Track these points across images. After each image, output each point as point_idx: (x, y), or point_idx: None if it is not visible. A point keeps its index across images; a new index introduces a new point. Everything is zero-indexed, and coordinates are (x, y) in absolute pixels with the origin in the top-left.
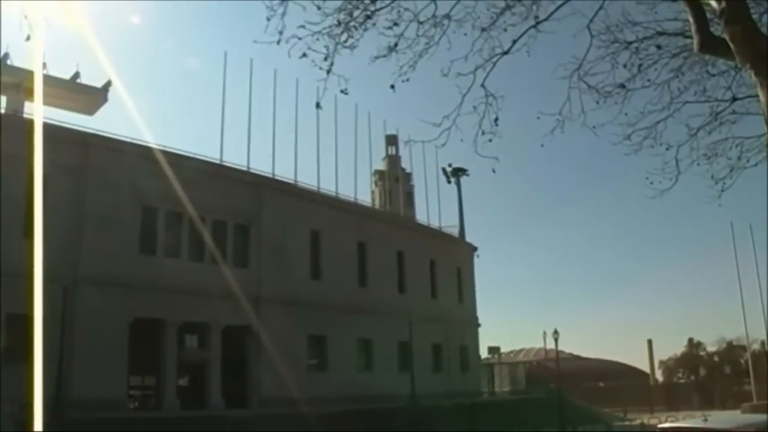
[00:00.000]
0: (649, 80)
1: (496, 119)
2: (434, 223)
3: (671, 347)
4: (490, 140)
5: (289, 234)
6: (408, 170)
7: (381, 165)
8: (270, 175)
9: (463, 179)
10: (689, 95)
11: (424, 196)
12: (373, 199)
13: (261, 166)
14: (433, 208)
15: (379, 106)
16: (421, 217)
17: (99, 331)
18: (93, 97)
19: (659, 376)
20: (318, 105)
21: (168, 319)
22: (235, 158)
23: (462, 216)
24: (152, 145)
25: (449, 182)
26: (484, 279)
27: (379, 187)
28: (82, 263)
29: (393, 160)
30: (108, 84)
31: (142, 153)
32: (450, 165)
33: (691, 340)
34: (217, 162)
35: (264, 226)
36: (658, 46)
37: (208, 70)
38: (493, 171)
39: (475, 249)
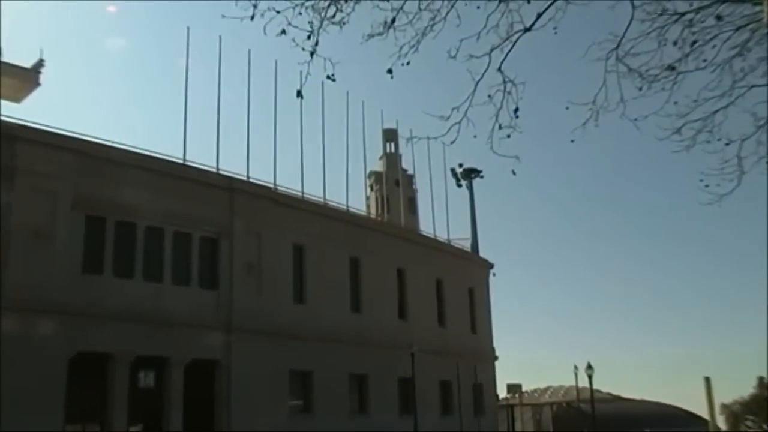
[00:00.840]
0: (705, 60)
1: (516, 110)
2: (442, 235)
3: (736, 388)
4: (509, 136)
5: (267, 249)
6: (410, 172)
7: (377, 165)
8: (244, 178)
9: (477, 182)
10: (756, 77)
11: (429, 202)
12: (368, 207)
13: (233, 167)
14: (441, 216)
15: (374, 95)
16: (425, 227)
17: (29, 369)
18: (20, 80)
19: (721, 422)
20: (299, 94)
21: (118, 353)
22: (201, 157)
23: (475, 226)
24: (98, 140)
25: (459, 186)
26: (501, 302)
27: (376, 191)
28: (5, 286)
29: (392, 160)
30: (40, 64)
31: (84, 150)
32: (461, 165)
33: (761, 380)
34: (180, 162)
35: (237, 240)
36: (718, 17)
37: (168, 52)
38: (513, 173)
39: (490, 266)
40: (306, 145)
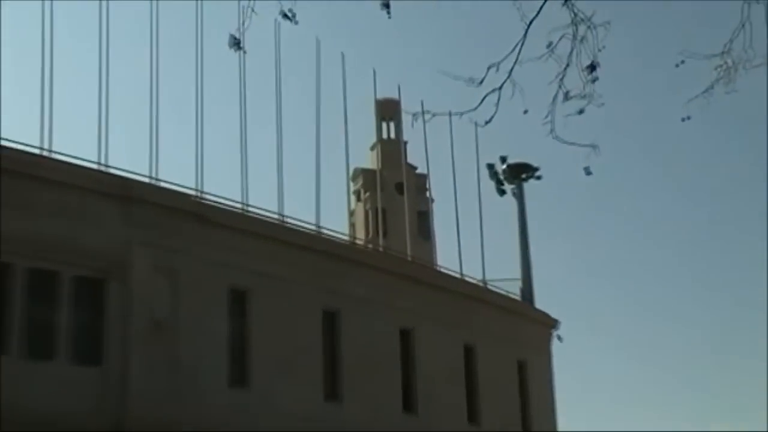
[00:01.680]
0: None
1: (593, 68)
2: (472, 273)
3: None
4: (582, 111)
5: (188, 295)
6: (420, 169)
7: (368, 160)
8: (147, 180)
9: (530, 187)
10: None
11: (451, 218)
12: (352, 226)
13: (131, 164)
14: (470, 241)
15: (361, 47)
16: (446, 259)
17: None
18: None
19: None
20: (236, 43)
21: None
22: (77, 148)
23: (527, 259)
24: None
25: (502, 192)
26: (571, 380)
27: (365, 201)
28: None
29: (391, 151)
30: None
31: None
32: (503, 160)
33: None
34: (37, 152)
35: (136, 281)
36: None
37: None
38: (587, 172)
39: (554, 325)
40: (252, 130)
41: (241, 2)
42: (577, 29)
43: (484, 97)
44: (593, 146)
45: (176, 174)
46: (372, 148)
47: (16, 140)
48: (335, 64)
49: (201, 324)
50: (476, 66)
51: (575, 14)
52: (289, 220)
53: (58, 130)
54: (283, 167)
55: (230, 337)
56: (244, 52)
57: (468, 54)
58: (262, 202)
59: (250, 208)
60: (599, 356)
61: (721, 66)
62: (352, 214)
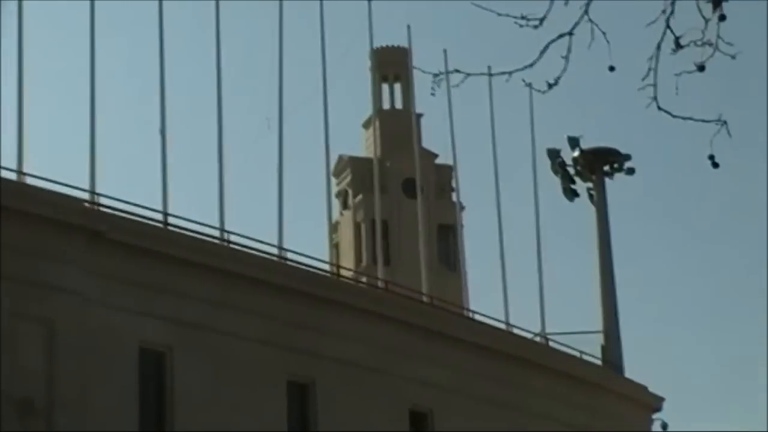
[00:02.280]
0: None
1: (722, 16)
2: (523, 321)
3: None
4: (702, 67)
5: (70, 354)
6: (442, 158)
7: (359, 143)
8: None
9: (616, 184)
10: None
11: (490, 235)
12: (335, 249)
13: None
14: (519, 271)
15: None
16: (481, 300)
17: None
18: None
19: None
20: None
21: None
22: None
23: (613, 302)
24: None
25: (572, 194)
26: None
27: (355, 208)
28: None
29: (395, 126)
30: None
31: None
32: (575, 143)
33: None
34: None
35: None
36: None
37: None
38: (714, 163)
39: (653, 405)
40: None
41: None
42: None
43: (547, 46)
44: (721, 122)
45: (66, 164)
46: (366, 125)
47: None
48: None
49: (101, 402)
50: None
51: None
52: (233, 240)
53: None
54: (222, 157)
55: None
56: None
57: None
58: (192, 212)
59: (169, 222)
60: None
61: None
62: (334, 229)
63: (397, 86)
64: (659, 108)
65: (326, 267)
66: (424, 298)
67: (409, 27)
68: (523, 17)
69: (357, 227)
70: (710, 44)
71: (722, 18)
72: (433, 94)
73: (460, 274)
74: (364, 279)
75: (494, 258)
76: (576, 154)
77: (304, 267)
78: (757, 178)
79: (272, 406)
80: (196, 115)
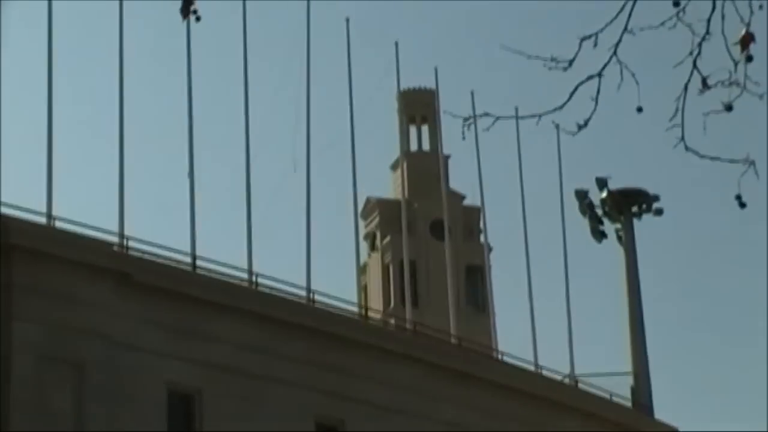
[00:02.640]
0: None
1: (748, 40)
2: (553, 363)
3: None
4: (730, 107)
5: (97, 399)
6: (470, 200)
7: (387, 185)
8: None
9: (645, 225)
10: None
11: (519, 276)
12: (363, 291)
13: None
14: (548, 312)
15: (376, 10)
16: (510, 342)
17: None
18: None
19: None
20: (188, 9)
21: None
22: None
23: (643, 343)
24: None
25: (601, 235)
26: None
27: (383, 249)
28: None
29: (422, 169)
30: None
31: None
32: (603, 185)
33: None
34: None
35: None
36: None
37: None
38: (741, 203)
39: None
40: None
41: None
42: None
43: (577, 87)
44: (748, 162)
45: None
46: (394, 167)
47: None
48: (336, 33)
49: None
50: (558, 41)
51: None
52: (261, 283)
53: None
54: (252, 203)
55: None
56: (198, 19)
57: (541, 24)
58: (210, 251)
59: (198, 262)
60: None
61: None
62: (362, 271)
63: (425, 128)
64: (687, 148)
65: (354, 309)
66: (453, 340)
67: (436, 69)
68: (552, 59)
69: (385, 269)
70: (737, 84)
71: (749, 59)
72: (463, 139)
73: (489, 316)
74: (392, 321)
75: (523, 299)
76: (604, 195)
77: (332, 309)
78: None
79: None
80: (224, 158)
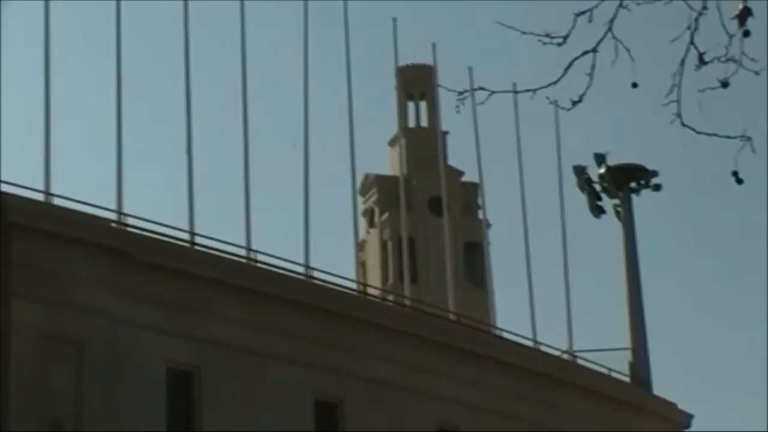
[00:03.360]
0: None
1: (745, 15)
2: (551, 339)
3: None
4: (726, 83)
5: (97, 377)
6: (468, 176)
7: (385, 162)
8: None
9: (643, 201)
10: None
11: (516, 253)
12: (361, 267)
13: None
14: (546, 289)
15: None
16: (509, 318)
17: None
18: None
19: None
20: None
21: None
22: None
23: (641, 319)
24: None
25: (599, 210)
26: None
27: (382, 226)
28: None
29: (420, 145)
30: None
31: None
32: (601, 160)
33: None
34: None
35: None
36: None
37: None
38: (738, 179)
39: (682, 421)
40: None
41: None
42: None
43: (572, 63)
44: (745, 138)
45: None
46: (392, 143)
47: None
48: (333, 9)
49: None
50: (550, 15)
51: None
52: (260, 259)
53: None
54: (250, 179)
55: None
56: None
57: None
58: (206, 228)
59: (197, 241)
60: None
61: None
62: (361, 247)
63: (423, 104)
64: (683, 124)
65: (353, 285)
66: (451, 316)
67: (434, 45)
68: (547, 35)
69: (383, 245)
70: (734, 60)
71: (746, 34)
72: (458, 112)
73: (487, 292)
74: (390, 297)
75: (521, 275)
76: (602, 170)
77: (330, 286)
78: None
79: (300, 425)
80: (222, 134)
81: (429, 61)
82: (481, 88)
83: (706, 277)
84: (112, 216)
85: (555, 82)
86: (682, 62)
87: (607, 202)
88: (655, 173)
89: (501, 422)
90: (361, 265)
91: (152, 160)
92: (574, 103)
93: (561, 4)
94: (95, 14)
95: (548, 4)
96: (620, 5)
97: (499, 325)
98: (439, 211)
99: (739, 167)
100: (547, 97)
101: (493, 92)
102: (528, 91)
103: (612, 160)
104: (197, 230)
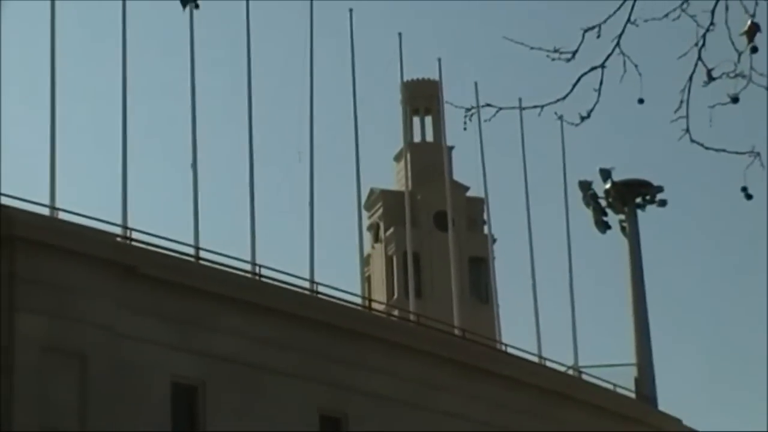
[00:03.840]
0: None
1: (754, 31)
2: (556, 354)
3: None
4: (736, 99)
5: (100, 390)
6: (473, 191)
7: (391, 176)
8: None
9: (649, 216)
10: None
11: (522, 268)
12: (366, 282)
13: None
14: (551, 303)
15: (379, 1)
16: (514, 333)
17: None
18: None
19: None
20: None
21: None
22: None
23: (647, 334)
24: None
25: (604, 226)
26: None
27: (387, 241)
28: None
29: (426, 160)
30: None
31: None
32: (607, 176)
33: None
34: None
35: None
36: None
37: None
38: (747, 195)
39: None
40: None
41: None
42: None
43: (580, 78)
44: (754, 154)
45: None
46: (397, 158)
47: None
48: (339, 24)
49: None
50: (558, 33)
51: None
52: (264, 274)
53: None
54: (255, 194)
55: None
56: (197, 7)
57: (541, 16)
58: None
59: (201, 256)
60: None
61: None
62: (366, 262)
63: (428, 119)
64: (692, 140)
65: (358, 300)
66: (456, 331)
67: (439, 60)
68: (555, 50)
69: (388, 260)
70: (743, 76)
71: (754, 50)
72: (465, 129)
73: (492, 307)
74: (395, 312)
75: (526, 290)
76: (608, 186)
77: (335, 300)
78: None
79: None
80: (227, 149)
81: (434, 76)
82: (488, 105)
83: (712, 293)
84: (117, 230)
85: (563, 98)
86: (691, 78)
87: (613, 218)
88: (660, 189)
89: None
90: (366, 280)
91: (158, 175)
92: (583, 118)
93: (568, 20)
94: (100, 17)
95: (555, 19)
96: (628, 21)
97: (504, 340)
98: (444, 226)
99: (747, 183)
100: (555, 113)
101: (500, 109)
102: (535, 107)
103: (618, 176)
104: (202, 245)
